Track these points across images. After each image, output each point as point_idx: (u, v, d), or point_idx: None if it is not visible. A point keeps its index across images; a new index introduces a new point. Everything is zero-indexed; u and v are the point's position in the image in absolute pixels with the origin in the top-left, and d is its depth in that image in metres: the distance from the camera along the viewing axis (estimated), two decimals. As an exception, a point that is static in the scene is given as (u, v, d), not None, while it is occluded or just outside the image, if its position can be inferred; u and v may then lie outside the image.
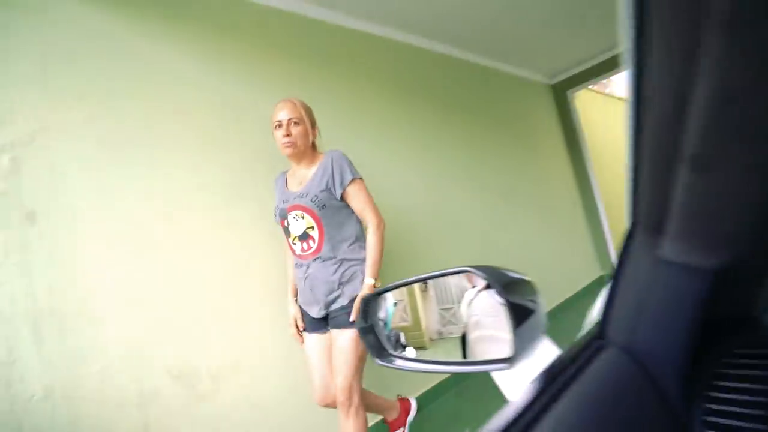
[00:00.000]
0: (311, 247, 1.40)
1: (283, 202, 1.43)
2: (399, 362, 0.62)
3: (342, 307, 1.39)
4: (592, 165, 4.15)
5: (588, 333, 0.37)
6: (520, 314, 0.42)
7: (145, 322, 1.34)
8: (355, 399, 1.36)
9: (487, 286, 0.93)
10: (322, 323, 1.46)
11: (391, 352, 0.63)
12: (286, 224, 1.42)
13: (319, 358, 1.46)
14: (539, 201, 3.43)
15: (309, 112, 1.48)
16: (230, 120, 1.68)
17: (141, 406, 1.29)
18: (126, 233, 1.35)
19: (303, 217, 1.39)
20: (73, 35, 1.35)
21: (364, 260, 1.40)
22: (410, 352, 0.68)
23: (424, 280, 0.65)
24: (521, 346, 0.39)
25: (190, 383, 1.39)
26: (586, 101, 4.58)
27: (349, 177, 1.42)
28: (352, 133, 2.09)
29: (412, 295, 0.70)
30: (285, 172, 1.54)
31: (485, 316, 0.90)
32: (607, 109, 5.12)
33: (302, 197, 1.39)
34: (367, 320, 0.64)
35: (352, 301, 1.38)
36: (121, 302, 1.30)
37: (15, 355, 1.14)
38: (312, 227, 1.39)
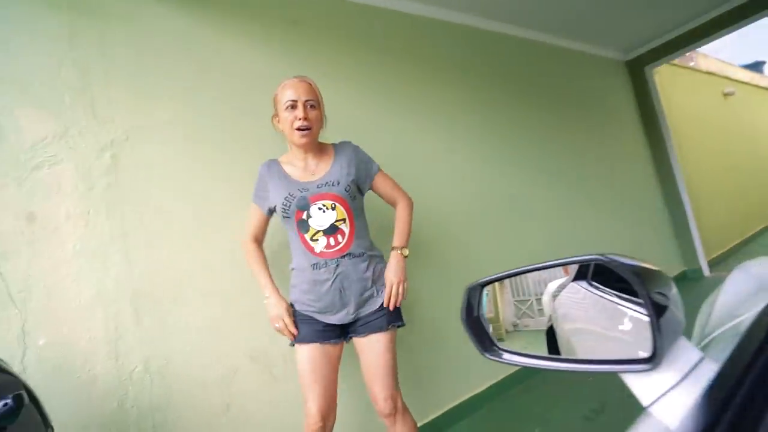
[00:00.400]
0: (339, 243, 1.26)
1: (302, 191, 1.27)
2: (511, 357, 0.60)
3: (380, 308, 1.30)
4: (674, 149, 3.79)
5: (750, 336, 0.33)
6: (656, 310, 0.39)
7: (224, 307, 1.46)
8: (401, 403, 1.30)
9: (578, 277, 0.90)
10: (337, 331, 1.30)
11: (500, 346, 0.62)
12: (305, 217, 1.25)
13: (325, 373, 1.27)
14: (612, 189, 3.22)
15: (321, 96, 1.34)
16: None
17: (222, 386, 1.42)
18: (208, 224, 1.48)
19: (333, 208, 1.26)
20: (159, 37, 1.49)
21: (382, 256, 1.37)
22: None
23: (540, 269, 0.63)
24: (661, 346, 0.37)
25: (266, 366, 1.50)
26: (667, 78, 4.18)
27: (375, 167, 1.41)
28: (407, 116, 2.09)
29: (492, 285, 0.68)
30: (276, 161, 1.34)
31: (577, 309, 0.86)
32: (692, 86, 4.64)
33: (332, 186, 1.27)
34: (471, 312, 0.62)
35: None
36: (204, 287, 1.43)
37: (120, 331, 1.30)
38: (344, 219, 1.27)
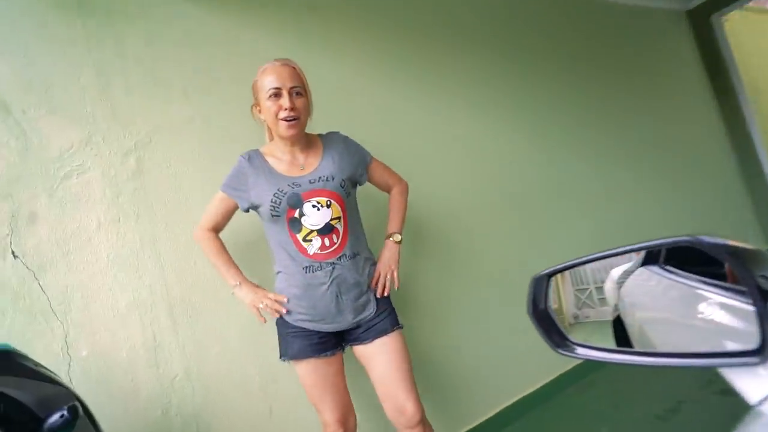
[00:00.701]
0: (335, 243, 1.18)
1: (293, 186, 1.17)
2: (587, 352, 0.56)
3: (384, 311, 1.24)
4: (751, 109, 3.36)
5: None
6: (763, 295, 0.36)
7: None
8: (424, 412, 1.22)
9: (647, 261, 0.76)
10: (333, 341, 1.23)
11: (574, 340, 0.58)
12: (297, 215, 1.16)
13: (333, 381, 1.22)
14: (674, 160, 2.89)
15: (306, 81, 1.23)
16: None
17: (264, 390, 1.41)
18: (235, 222, 1.43)
19: (328, 206, 1.18)
20: (174, 35, 1.45)
21: (374, 259, 1.31)
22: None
23: (615, 255, 0.58)
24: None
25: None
26: (740, 26, 3.68)
27: (368, 157, 1.34)
28: (437, 88, 1.96)
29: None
30: (258, 152, 1.24)
31: (649, 297, 0.76)
32: (769, 32, 4.08)
33: (327, 181, 1.19)
34: (539, 304, 0.59)
35: (385, 299, 1.28)
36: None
37: (159, 339, 1.30)
38: (339, 218, 1.19)
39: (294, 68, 1.20)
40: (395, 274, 1.30)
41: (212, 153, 1.44)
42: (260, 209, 1.22)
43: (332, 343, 1.23)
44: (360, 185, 1.33)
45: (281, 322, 1.25)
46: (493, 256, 1.94)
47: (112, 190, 1.31)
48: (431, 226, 1.80)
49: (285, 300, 1.20)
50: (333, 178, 1.21)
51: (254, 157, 1.25)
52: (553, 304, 0.63)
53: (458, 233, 1.87)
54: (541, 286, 0.60)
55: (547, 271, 0.59)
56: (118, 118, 1.34)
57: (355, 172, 1.29)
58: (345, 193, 1.23)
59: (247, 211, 1.26)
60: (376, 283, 1.27)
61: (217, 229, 1.28)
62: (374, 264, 1.30)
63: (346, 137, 1.31)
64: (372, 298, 1.25)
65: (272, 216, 1.19)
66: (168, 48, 1.42)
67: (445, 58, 2.01)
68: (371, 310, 1.24)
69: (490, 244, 1.95)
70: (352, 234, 1.24)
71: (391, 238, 1.33)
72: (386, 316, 1.25)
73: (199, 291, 1.36)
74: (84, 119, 1.30)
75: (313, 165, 1.23)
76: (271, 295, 1.21)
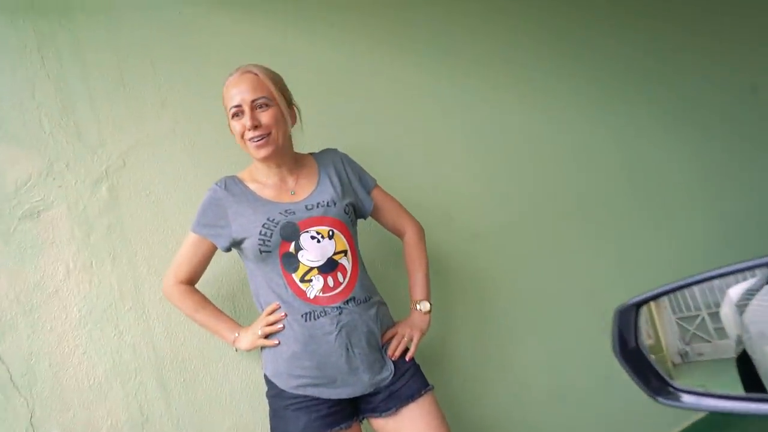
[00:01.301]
0: (341, 284, 1.01)
1: (286, 214, 1.01)
2: (697, 400, 0.50)
3: (407, 370, 1.05)
4: None
5: None
6: None
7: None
8: None
9: None
10: (347, 410, 1.02)
11: (679, 385, 0.52)
12: (292, 249, 1.00)
13: None
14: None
15: (280, 83, 1.06)
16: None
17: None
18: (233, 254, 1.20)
19: (331, 236, 1.02)
20: (145, 34, 1.22)
21: (385, 303, 1.13)
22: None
23: (737, 273, 0.50)
24: None
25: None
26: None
27: (371, 181, 1.17)
28: (470, 70, 1.61)
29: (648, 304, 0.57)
30: (235, 179, 1.07)
31: None
32: None
33: (328, 206, 1.03)
34: (626, 342, 0.54)
35: (404, 356, 1.08)
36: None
37: (147, 412, 1.09)
38: (344, 252, 1.03)
39: (256, 75, 1.03)
40: (416, 340, 1.09)
41: (201, 172, 1.21)
42: (244, 245, 1.02)
43: (346, 413, 1.02)
44: (364, 217, 1.15)
45: (275, 393, 1.02)
46: (553, 282, 1.56)
47: (82, 228, 1.11)
48: (462, 251, 1.46)
49: (282, 316, 1.01)
50: (335, 203, 1.06)
51: (232, 185, 1.07)
52: (646, 339, 0.57)
53: (501, 255, 1.52)
54: (628, 318, 0.54)
55: (635, 300, 0.53)
56: (83, 139, 1.14)
57: (358, 197, 1.14)
58: (350, 221, 1.08)
59: (228, 250, 1.06)
60: (388, 339, 1.07)
61: (191, 281, 1.07)
62: (386, 308, 1.11)
63: (345, 155, 1.14)
64: (387, 356, 1.05)
65: (261, 253, 1.00)
66: (138, 51, 1.21)
67: (480, 29, 1.64)
68: (389, 371, 1.03)
69: (546, 267, 1.57)
70: (361, 272, 1.08)
71: (418, 307, 1.12)
72: (412, 377, 1.05)
73: (193, 348, 1.15)
74: (42, 144, 1.11)
75: (307, 190, 1.08)
76: (266, 321, 1.01)
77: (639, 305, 0.55)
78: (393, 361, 1.05)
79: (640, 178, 1.80)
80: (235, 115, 1.01)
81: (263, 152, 1.01)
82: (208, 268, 1.11)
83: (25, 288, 1.06)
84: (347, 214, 1.06)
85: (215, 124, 1.20)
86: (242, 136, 1.01)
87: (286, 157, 1.06)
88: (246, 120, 0.99)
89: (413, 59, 1.50)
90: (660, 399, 0.51)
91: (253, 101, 1.00)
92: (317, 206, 1.04)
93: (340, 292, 1.01)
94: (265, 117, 1.00)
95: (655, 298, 0.55)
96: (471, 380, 1.40)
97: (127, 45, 1.20)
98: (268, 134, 1.01)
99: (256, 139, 1.00)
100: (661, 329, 0.64)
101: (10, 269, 1.05)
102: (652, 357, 0.55)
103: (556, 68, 1.72)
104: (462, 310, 1.43)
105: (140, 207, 1.16)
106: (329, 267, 1.01)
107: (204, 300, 1.06)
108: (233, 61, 1.27)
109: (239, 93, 1.01)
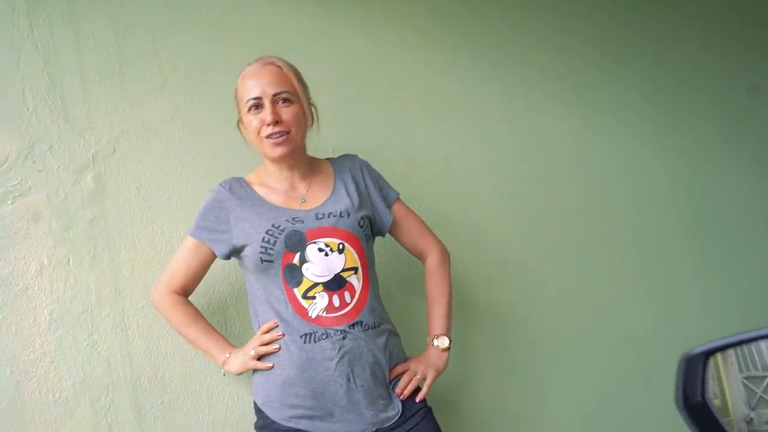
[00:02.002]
0: (347, 305, 0.94)
1: (293, 222, 0.95)
2: None
3: (416, 412, 0.95)
4: None
5: None
6: None
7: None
8: None
9: None
10: None
11: None
12: (296, 261, 0.93)
13: None
14: None
15: (302, 79, 1.00)
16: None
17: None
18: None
19: (341, 250, 0.95)
20: (148, 7, 1.12)
21: (397, 332, 1.04)
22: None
23: None
24: None
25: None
26: None
27: (393, 194, 1.09)
28: (514, 74, 1.45)
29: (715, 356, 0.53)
30: (241, 180, 1.01)
31: None
32: None
33: (340, 217, 0.96)
34: (693, 394, 0.50)
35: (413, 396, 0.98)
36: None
37: None
38: (354, 269, 0.95)
39: (280, 68, 0.98)
40: (430, 380, 0.98)
41: (200, 168, 1.12)
42: (244, 253, 0.94)
43: None
44: (382, 234, 1.06)
45: (264, 424, 0.93)
46: (589, 325, 1.41)
47: (61, 220, 1.02)
48: (488, 280, 1.32)
49: (274, 324, 0.93)
50: (348, 214, 0.99)
51: (237, 187, 1.00)
52: (713, 398, 0.54)
53: (532, 288, 1.37)
54: (695, 368, 0.51)
55: (705, 348, 0.51)
56: (71, 119, 1.04)
57: (377, 211, 1.05)
58: (364, 236, 1.01)
59: (227, 258, 0.97)
60: (398, 375, 0.97)
61: (186, 291, 0.99)
62: (398, 338, 1.01)
63: (366, 163, 1.06)
64: (396, 397, 0.95)
65: (262, 262, 0.93)
66: (139, 25, 1.11)
67: (527, 26, 1.48)
68: (396, 410, 0.93)
69: (583, 306, 1.41)
70: (372, 295, 0.99)
71: (436, 342, 1.02)
72: (421, 421, 0.95)
73: (175, 365, 1.05)
74: (24, 121, 1.02)
75: (319, 198, 1.01)
76: (260, 340, 0.93)
77: (708, 354, 0.52)
78: (401, 401, 0.94)
79: (698, 210, 1.63)
80: (253, 107, 0.94)
81: (279, 151, 0.94)
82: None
83: (-10, 283, 0.98)
84: (362, 227, 0.97)
85: (221, 114, 1.10)
86: (258, 132, 0.94)
87: (300, 161, 0.99)
88: (266, 114, 0.93)
89: (448, 59, 1.37)
90: None
91: (275, 95, 0.94)
92: (328, 216, 0.96)
93: (345, 313, 0.93)
94: (287, 113, 0.94)
95: (727, 348, 0.53)
96: (485, 422, 1.27)
97: (127, 17, 1.10)
98: (288, 132, 0.94)
99: (274, 136, 0.93)
100: (727, 389, 0.61)
101: (-24, 261, 0.97)
102: (720, 416, 0.52)
103: (610, 79, 1.56)
104: (483, 349, 1.31)
105: (128, 201, 1.06)
106: (336, 284, 0.93)
107: (197, 314, 0.98)
108: (246, 45, 1.17)
109: (260, 85, 0.94)
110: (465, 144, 1.37)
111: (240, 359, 0.94)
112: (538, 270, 1.38)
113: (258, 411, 0.94)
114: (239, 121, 1.00)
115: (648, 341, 1.43)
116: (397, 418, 0.93)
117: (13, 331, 0.97)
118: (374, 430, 0.92)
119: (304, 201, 0.98)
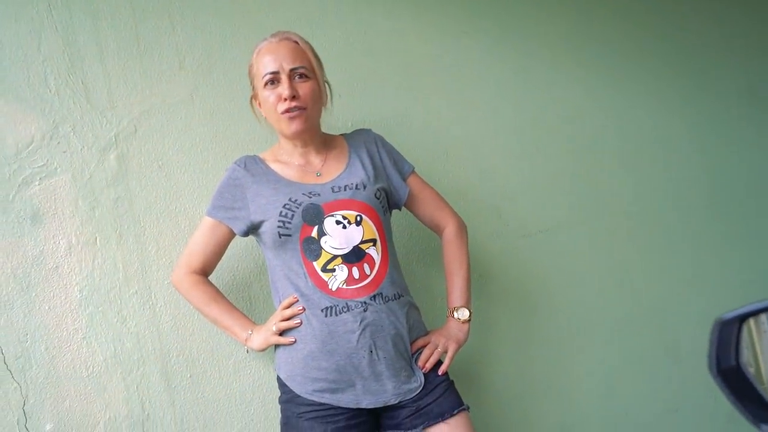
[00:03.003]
0: (366, 276, 0.95)
1: (310, 195, 0.96)
2: None
3: (440, 384, 0.97)
4: None
5: None
6: None
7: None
8: None
9: None
10: (368, 423, 0.95)
11: None
12: (314, 234, 0.95)
13: None
14: None
15: (318, 56, 1.01)
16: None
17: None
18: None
19: (359, 222, 0.96)
20: None
21: (416, 305, 1.06)
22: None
23: None
24: None
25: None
26: None
27: (408, 167, 1.11)
28: (538, 43, 1.42)
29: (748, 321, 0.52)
30: (256, 158, 1.02)
31: None
32: None
33: (357, 189, 0.98)
34: (727, 359, 0.50)
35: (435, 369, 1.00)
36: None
37: (148, 408, 1.04)
38: (373, 241, 0.97)
39: (296, 42, 1.00)
40: (452, 353, 1.00)
41: (219, 145, 1.14)
42: (262, 229, 0.96)
43: (366, 427, 0.94)
44: (398, 207, 1.07)
45: (288, 398, 0.95)
46: (613, 295, 1.41)
47: (87, 200, 1.05)
48: (510, 253, 1.33)
49: (294, 300, 0.94)
50: (364, 187, 1.00)
51: (252, 164, 1.02)
52: (748, 364, 0.53)
53: (555, 260, 1.37)
54: (729, 332, 0.51)
55: (738, 313, 0.51)
56: (92, 100, 1.06)
57: (392, 184, 1.07)
58: (381, 208, 1.02)
59: (245, 234, 0.99)
60: (419, 349, 0.99)
61: (205, 271, 1.01)
62: (418, 311, 1.03)
63: (380, 136, 1.07)
64: (417, 366, 0.97)
65: (279, 236, 0.94)
66: (157, 4, 1.12)
67: None
68: (419, 382, 0.95)
69: (608, 277, 1.41)
70: (392, 266, 1.00)
71: (456, 315, 1.03)
72: (443, 393, 0.97)
73: (203, 341, 1.08)
74: (47, 103, 1.04)
75: (334, 171, 1.03)
76: (281, 316, 0.95)
77: (742, 319, 0.51)
78: (423, 374, 0.96)
79: (725, 179, 1.60)
80: (270, 83, 0.95)
81: (295, 126, 0.95)
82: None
83: (22, 262, 1.01)
84: (378, 199, 0.99)
85: (238, 92, 1.12)
86: (275, 108, 0.95)
87: (315, 137, 1.01)
88: (284, 89, 0.94)
89: (465, 31, 1.35)
90: (765, 427, 0.48)
91: (292, 70, 0.95)
92: (345, 189, 0.98)
93: (365, 285, 0.94)
94: (303, 89, 0.96)
95: (761, 312, 0.51)
96: (512, 403, 1.29)
97: (143, 3, 1.11)
98: (304, 108, 0.95)
99: (292, 110, 0.94)
100: (761, 355, 0.59)
101: (8, 241, 1.00)
102: (756, 380, 0.52)
103: (634, 47, 1.53)
104: (506, 322, 1.31)
105: (151, 180, 1.09)
106: (355, 256, 0.95)
107: (216, 293, 1.00)
108: (262, 23, 1.18)
109: (277, 59, 0.95)
110: (484, 117, 1.36)
111: (262, 335, 0.96)
112: (561, 241, 1.38)
113: (282, 385, 0.97)
114: (253, 98, 1.01)
115: (671, 311, 1.44)
116: (419, 390, 0.95)
117: (46, 308, 1.01)
118: (397, 401, 0.93)
119: (320, 175, 0.99)
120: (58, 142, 1.05)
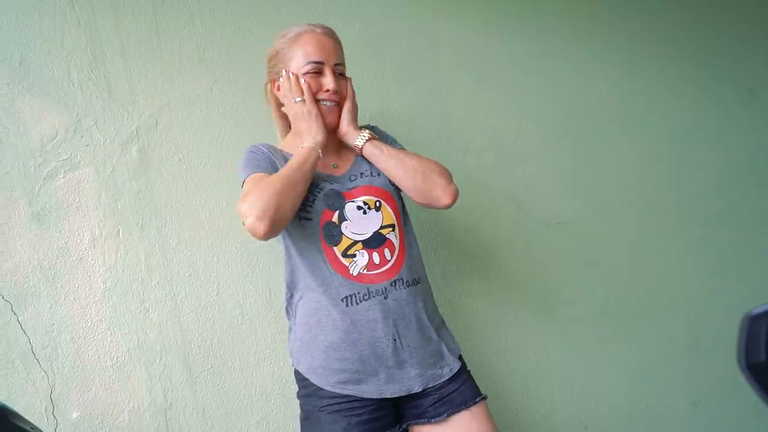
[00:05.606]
0: (387, 261, 0.98)
1: (330, 182, 1.00)
2: None
3: (464, 372, 1.01)
4: None
5: None
6: None
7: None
8: None
9: None
10: (391, 414, 0.97)
11: None
12: (335, 219, 0.97)
13: None
14: None
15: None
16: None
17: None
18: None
19: (378, 208, 0.99)
20: None
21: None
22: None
23: None
24: None
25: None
26: None
27: (399, 147, 1.15)
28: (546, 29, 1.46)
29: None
30: (274, 147, 1.04)
31: None
32: None
33: (373, 176, 1.02)
34: (757, 353, 0.52)
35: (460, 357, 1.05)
36: (273, 319, 1.16)
37: (171, 398, 1.09)
38: (392, 226, 1.00)
39: (338, 42, 1.05)
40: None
41: (239, 139, 1.18)
42: None
43: (388, 420, 0.96)
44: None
45: (309, 392, 0.96)
46: (635, 287, 1.44)
47: (109, 192, 1.10)
48: (529, 243, 1.36)
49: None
50: (379, 174, 1.05)
51: (271, 148, 1.04)
52: None
53: (575, 251, 1.40)
54: (759, 328, 0.52)
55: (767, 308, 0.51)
56: (114, 94, 1.11)
57: None
58: (397, 193, 1.06)
59: None
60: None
61: None
62: (432, 296, 1.07)
63: (374, 126, 1.12)
64: (446, 350, 1.00)
65: (300, 220, 0.97)
66: (177, 4, 1.16)
67: None
68: (450, 367, 0.99)
69: (628, 268, 1.44)
70: (410, 251, 1.03)
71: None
72: (465, 382, 1.01)
73: (224, 332, 1.13)
74: (70, 97, 1.09)
75: (348, 164, 1.07)
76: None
77: None
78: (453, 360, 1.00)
79: (750, 171, 1.62)
80: (313, 72, 0.99)
81: (330, 118, 1.01)
82: (243, 243, 1.11)
83: (48, 254, 1.06)
84: (392, 185, 1.02)
85: (258, 85, 1.15)
86: (314, 96, 0.98)
87: (332, 132, 1.04)
88: (329, 81, 0.99)
89: (485, 20, 1.39)
90: None
91: (335, 65, 1.01)
92: (361, 176, 1.02)
93: (386, 270, 0.97)
94: (342, 86, 1.02)
95: None
96: (530, 394, 1.32)
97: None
98: (338, 104, 1.02)
99: (330, 103, 1.00)
100: None
101: (33, 233, 1.05)
102: None
103: (654, 39, 1.56)
104: (525, 313, 1.34)
105: (172, 173, 1.14)
106: (376, 242, 0.97)
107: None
108: (281, 15, 1.22)
109: (324, 51, 1.00)
110: (505, 105, 1.39)
111: (311, 137, 0.95)
112: (582, 232, 1.41)
113: (301, 379, 0.97)
114: (271, 83, 1.03)
115: (696, 305, 1.46)
116: (445, 378, 0.97)
117: (71, 299, 1.07)
118: (422, 388, 0.96)
119: (336, 166, 1.03)
120: (81, 136, 1.10)
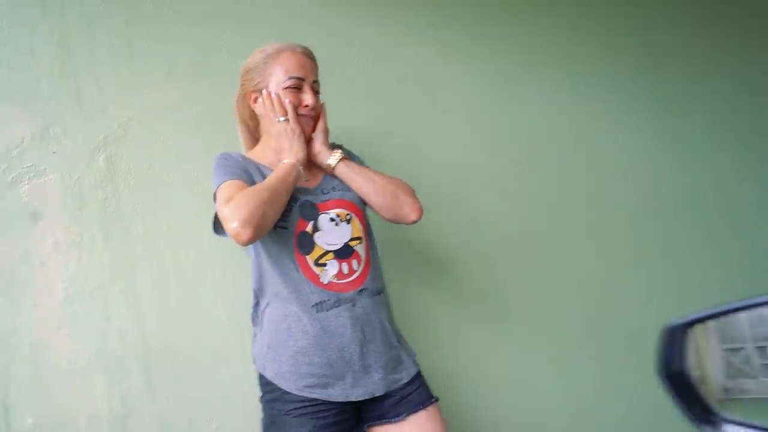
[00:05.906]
0: (354, 272, 1.04)
1: (305, 194, 1.04)
2: None
3: (420, 376, 1.07)
4: None
5: None
6: None
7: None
8: None
9: None
10: (351, 420, 1.01)
11: (727, 416, 0.53)
12: (309, 230, 1.02)
13: None
14: None
15: None
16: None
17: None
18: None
19: (348, 221, 1.06)
20: None
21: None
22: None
23: None
24: None
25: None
26: None
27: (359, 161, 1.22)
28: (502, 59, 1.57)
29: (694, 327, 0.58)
30: (243, 157, 1.06)
31: None
32: None
33: (344, 190, 1.08)
34: (673, 364, 0.55)
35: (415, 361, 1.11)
36: (238, 332, 1.17)
37: (129, 405, 1.10)
38: (359, 239, 1.07)
39: (316, 62, 1.12)
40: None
41: (209, 153, 1.16)
42: None
43: (351, 422, 1.01)
44: None
45: (274, 396, 0.98)
46: (579, 302, 1.51)
47: (75, 200, 1.12)
48: (484, 260, 1.43)
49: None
50: (349, 189, 1.10)
51: (242, 157, 1.08)
52: (694, 368, 0.57)
53: (524, 267, 1.48)
54: (675, 339, 0.55)
55: (684, 320, 0.55)
56: (83, 103, 1.14)
57: None
58: (364, 208, 1.13)
59: None
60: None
61: None
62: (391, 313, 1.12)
63: (344, 147, 1.17)
64: (407, 356, 1.07)
65: (276, 229, 0.99)
66: (150, 11, 1.21)
67: (522, 13, 1.59)
68: (408, 371, 1.05)
69: (574, 284, 1.51)
70: (373, 263, 1.10)
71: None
72: (421, 384, 1.07)
73: (187, 340, 1.15)
74: (40, 105, 1.11)
75: (318, 178, 1.12)
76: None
77: (688, 326, 0.56)
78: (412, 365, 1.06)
79: (686, 191, 1.74)
80: (293, 87, 1.05)
81: (307, 130, 1.07)
82: (208, 252, 1.15)
83: (9, 259, 1.07)
84: (361, 200, 1.08)
85: (227, 100, 1.18)
86: (295, 109, 1.04)
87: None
88: (309, 97, 1.06)
89: (451, 48, 1.48)
90: (705, 428, 0.52)
91: (313, 82, 1.09)
92: (333, 189, 1.08)
93: (353, 280, 1.03)
94: (317, 103, 1.08)
95: (707, 319, 0.56)
96: (480, 401, 1.38)
97: (137, 4, 1.19)
98: (312, 118, 1.08)
99: (306, 118, 1.06)
100: (707, 360, 0.65)
101: (-6, 238, 1.07)
102: (699, 385, 0.56)
103: (608, 63, 1.67)
104: (477, 327, 1.41)
105: (139, 183, 1.16)
106: (345, 253, 1.03)
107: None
108: (253, 33, 1.27)
109: (304, 68, 1.07)
110: (465, 129, 1.47)
111: (293, 154, 1.00)
112: (536, 250, 1.48)
113: (266, 384, 1.00)
114: (246, 95, 1.06)
115: (643, 321, 1.52)
116: (408, 379, 1.03)
117: (30, 305, 1.07)
118: (384, 392, 1.01)
119: (306, 180, 1.06)
120: (48, 144, 1.12)
